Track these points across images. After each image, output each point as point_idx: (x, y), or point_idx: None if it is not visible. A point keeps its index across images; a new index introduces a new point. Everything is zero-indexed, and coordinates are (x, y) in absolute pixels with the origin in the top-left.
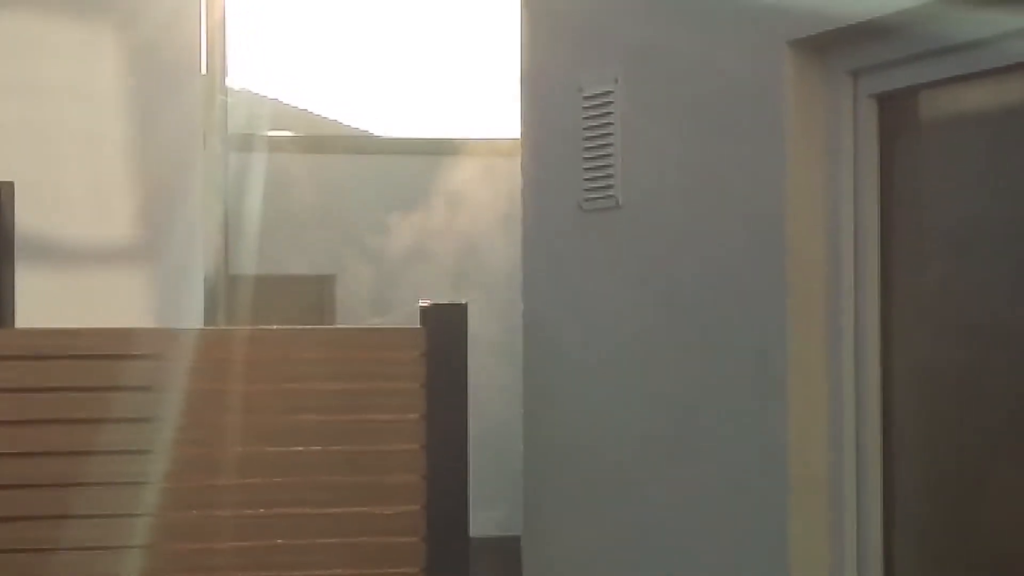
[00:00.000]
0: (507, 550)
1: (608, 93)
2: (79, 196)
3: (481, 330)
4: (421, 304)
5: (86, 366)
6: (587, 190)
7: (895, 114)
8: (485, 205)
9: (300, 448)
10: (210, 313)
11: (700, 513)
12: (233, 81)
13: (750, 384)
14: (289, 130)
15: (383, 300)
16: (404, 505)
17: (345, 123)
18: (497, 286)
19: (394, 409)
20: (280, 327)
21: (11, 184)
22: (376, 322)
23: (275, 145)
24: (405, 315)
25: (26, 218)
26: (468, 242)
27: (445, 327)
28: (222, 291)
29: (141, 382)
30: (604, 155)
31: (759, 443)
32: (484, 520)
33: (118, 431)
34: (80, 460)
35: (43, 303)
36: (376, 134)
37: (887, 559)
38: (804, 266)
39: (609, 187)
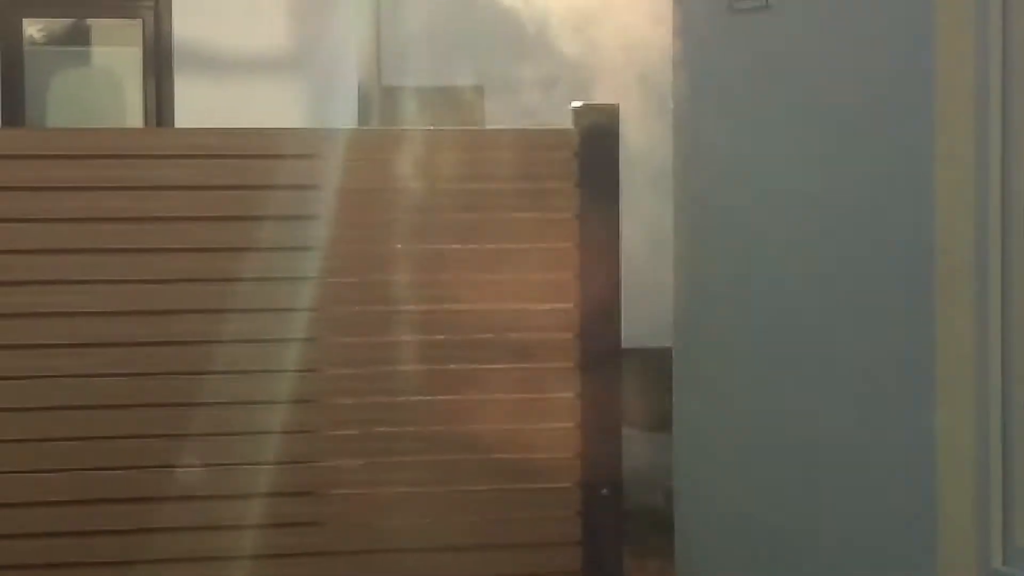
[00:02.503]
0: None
1: None
2: (233, 4)
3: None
4: (573, 105)
5: (245, 165)
6: None
7: None
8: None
9: (457, 246)
10: (363, 123)
11: (847, 388)
12: None
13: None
14: None
15: (532, 110)
16: (556, 303)
17: None
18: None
19: (546, 208)
20: (432, 127)
21: None
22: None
23: None
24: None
25: (182, 28)
26: (623, 53)
27: (597, 127)
28: (376, 102)
29: (299, 181)
30: None
31: (906, 331)
32: None
33: (278, 229)
34: (241, 256)
35: (199, 112)
36: None
37: None
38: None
39: None
